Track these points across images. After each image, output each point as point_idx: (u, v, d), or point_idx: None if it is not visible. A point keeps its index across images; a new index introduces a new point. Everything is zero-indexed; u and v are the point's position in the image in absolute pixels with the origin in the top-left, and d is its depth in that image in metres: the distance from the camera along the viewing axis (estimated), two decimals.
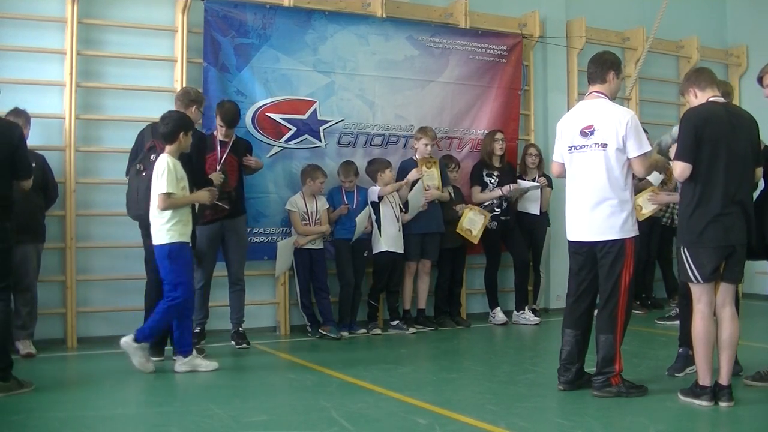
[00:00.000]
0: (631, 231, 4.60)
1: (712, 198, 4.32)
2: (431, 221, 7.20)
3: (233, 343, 6.33)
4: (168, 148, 5.23)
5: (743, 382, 4.86)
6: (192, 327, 5.55)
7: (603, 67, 4.71)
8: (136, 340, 5.18)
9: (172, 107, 6.54)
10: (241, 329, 6.33)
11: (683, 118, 4.49)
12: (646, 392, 4.61)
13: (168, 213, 5.15)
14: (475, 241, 7.35)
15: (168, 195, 5.13)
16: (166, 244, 5.16)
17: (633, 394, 4.55)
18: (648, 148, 4.58)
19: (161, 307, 5.20)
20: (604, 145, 4.55)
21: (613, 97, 4.76)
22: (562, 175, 4.89)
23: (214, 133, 6.31)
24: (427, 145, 7.21)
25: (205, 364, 5.35)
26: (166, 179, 5.11)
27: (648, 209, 7.01)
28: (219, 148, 6.22)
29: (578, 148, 4.66)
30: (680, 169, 4.40)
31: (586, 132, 4.62)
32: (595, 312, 4.75)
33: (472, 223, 7.29)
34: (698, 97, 4.58)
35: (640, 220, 7.06)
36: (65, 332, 6.30)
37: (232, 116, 6.23)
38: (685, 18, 9.35)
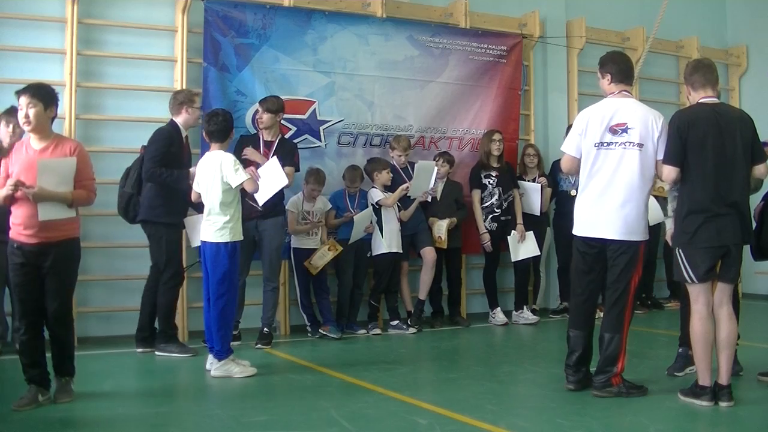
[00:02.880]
0: (646, 234, 4.62)
1: (702, 200, 4.33)
2: (414, 222, 7.21)
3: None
4: (219, 145, 5.23)
5: (756, 378, 4.89)
6: (232, 330, 5.39)
7: (633, 70, 4.73)
8: (219, 358, 5.14)
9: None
10: (266, 330, 6.30)
11: (669, 122, 4.49)
12: (646, 392, 4.61)
13: (233, 211, 5.14)
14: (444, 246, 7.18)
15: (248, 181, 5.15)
16: (230, 242, 5.12)
17: (633, 394, 4.55)
18: None
19: (217, 312, 5.09)
20: (641, 145, 4.50)
21: None
22: (573, 170, 4.78)
23: (259, 134, 6.35)
24: (400, 155, 7.22)
25: (239, 371, 5.16)
26: (242, 169, 5.13)
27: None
28: (262, 149, 6.23)
29: (606, 145, 4.56)
30: (667, 172, 4.45)
31: (617, 129, 4.54)
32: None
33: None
34: (691, 95, 4.60)
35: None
36: None
37: (278, 104, 6.28)
38: (685, 18, 9.35)
